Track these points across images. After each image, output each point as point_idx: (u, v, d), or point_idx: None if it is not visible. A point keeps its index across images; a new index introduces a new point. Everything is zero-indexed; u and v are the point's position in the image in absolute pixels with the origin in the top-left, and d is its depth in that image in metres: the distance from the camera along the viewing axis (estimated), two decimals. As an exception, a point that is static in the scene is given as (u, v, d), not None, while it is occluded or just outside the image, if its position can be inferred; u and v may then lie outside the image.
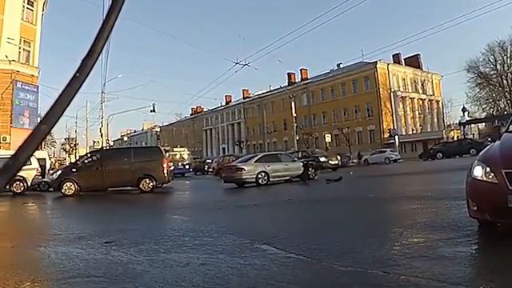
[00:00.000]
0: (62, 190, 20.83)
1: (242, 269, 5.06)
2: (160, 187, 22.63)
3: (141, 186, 21.41)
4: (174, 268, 5.34)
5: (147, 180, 21.46)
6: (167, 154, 42.62)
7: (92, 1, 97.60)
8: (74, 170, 22.08)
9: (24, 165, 0.74)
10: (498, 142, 6.17)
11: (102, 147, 43.09)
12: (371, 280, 4.26)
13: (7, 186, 0.82)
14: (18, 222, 12.92)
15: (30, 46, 37.94)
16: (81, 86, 0.78)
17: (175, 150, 47.45)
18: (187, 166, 45.20)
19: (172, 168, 40.70)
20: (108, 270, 5.43)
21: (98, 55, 0.80)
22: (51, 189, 23.64)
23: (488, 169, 5.42)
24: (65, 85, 0.77)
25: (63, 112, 0.75)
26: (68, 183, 20.98)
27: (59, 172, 23.58)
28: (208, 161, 50.99)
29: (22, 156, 0.73)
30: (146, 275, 5.08)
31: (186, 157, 46.14)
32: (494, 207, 5.33)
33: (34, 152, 0.75)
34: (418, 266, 4.53)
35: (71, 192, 20.80)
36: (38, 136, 0.74)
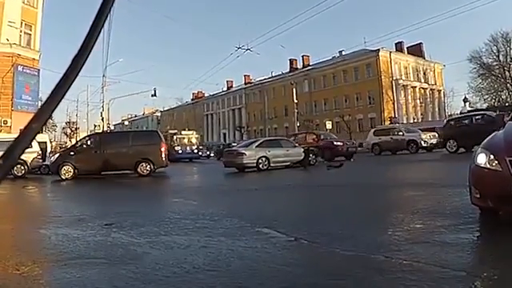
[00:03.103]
0: (60, 174, 20.89)
1: (243, 251, 5.06)
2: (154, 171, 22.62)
3: (138, 169, 21.48)
4: (175, 250, 5.34)
5: (145, 164, 21.52)
6: (174, 137, 42.05)
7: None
8: (72, 153, 22.07)
9: (15, 164, 0.75)
10: (502, 130, 6.14)
11: (103, 131, 42.80)
12: (373, 264, 4.25)
13: None
14: (19, 205, 12.93)
15: (31, 30, 37.78)
16: (72, 83, 0.78)
17: (183, 133, 45.94)
18: (196, 151, 43.47)
19: (180, 152, 40.52)
20: (109, 252, 5.44)
21: (89, 53, 0.80)
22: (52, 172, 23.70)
23: (492, 156, 5.39)
24: (56, 82, 0.77)
25: (55, 109, 0.76)
26: (66, 167, 21.01)
27: (57, 155, 23.49)
28: (233, 144, 49.90)
29: (12, 155, 0.73)
30: (146, 257, 5.08)
31: (194, 141, 44.60)
32: (497, 195, 5.31)
33: (24, 151, 0.75)
34: (421, 252, 4.52)
35: (69, 175, 20.88)
36: (29, 134, 0.74)
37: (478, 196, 5.57)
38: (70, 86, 0.77)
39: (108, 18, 0.83)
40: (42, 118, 0.74)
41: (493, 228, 5.68)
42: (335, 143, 28.87)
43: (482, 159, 5.52)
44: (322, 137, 30.30)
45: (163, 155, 22.09)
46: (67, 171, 20.96)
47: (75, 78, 0.77)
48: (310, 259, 4.83)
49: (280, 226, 6.36)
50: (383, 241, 5.14)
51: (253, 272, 4.24)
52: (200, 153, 45.56)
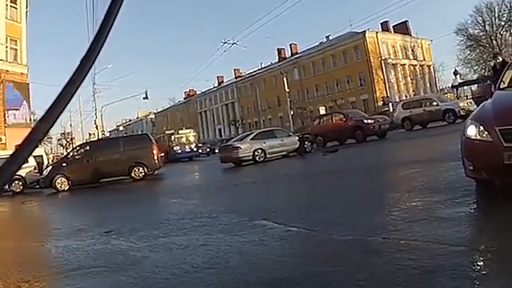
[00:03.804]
0: (55, 186, 20.77)
1: (242, 246, 5.06)
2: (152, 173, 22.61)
3: (132, 174, 21.39)
4: (174, 251, 5.35)
5: (138, 168, 21.46)
6: (172, 137, 41.80)
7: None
8: (64, 164, 21.91)
9: (20, 167, 0.72)
10: (489, 100, 6.14)
11: (99, 139, 42.60)
12: (371, 247, 4.25)
13: (6, 187, 0.79)
14: (19, 221, 12.96)
15: (16, 44, 37.56)
16: (79, 86, 0.76)
17: (180, 132, 45.17)
18: (195, 149, 43.01)
19: (179, 151, 40.32)
20: (108, 260, 5.44)
21: (97, 55, 0.78)
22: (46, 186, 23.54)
23: (481, 127, 5.38)
24: (63, 85, 0.75)
25: (61, 113, 0.74)
26: (60, 178, 20.87)
27: (49, 168, 23.28)
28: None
29: (18, 159, 0.71)
30: (146, 261, 5.09)
31: (192, 139, 43.84)
32: (489, 165, 5.30)
33: (30, 155, 0.73)
34: (418, 230, 4.51)
35: (64, 187, 20.76)
36: (35, 138, 0.72)
37: (472, 168, 5.56)
38: (77, 89, 0.75)
39: (115, 21, 0.81)
40: (50, 118, 0.72)
41: (489, 199, 5.69)
42: (366, 121, 26.25)
43: (471, 131, 5.51)
44: (350, 116, 27.45)
45: (156, 157, 21.99)
46: (62, 183, 20.80)
47: (82, 80, 0.76)
48: (308, 248, 4.84)
49: (278, 217, 6.36)
50: (380, 222, 5.13)
51: (251, 266, 4.24)
52: (200, 150, 45.24)
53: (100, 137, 48.84)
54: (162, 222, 7.68)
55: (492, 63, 18.12)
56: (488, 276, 3.17)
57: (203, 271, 4.29)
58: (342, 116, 28.03)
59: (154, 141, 23.34)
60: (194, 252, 5.11)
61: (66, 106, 0.74)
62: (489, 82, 10.63)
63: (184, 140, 42.45)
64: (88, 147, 23.25)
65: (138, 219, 8.53)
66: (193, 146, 42.71)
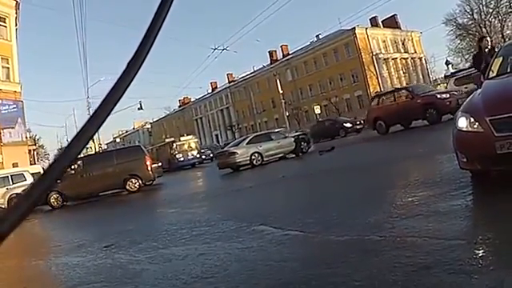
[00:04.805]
0: (50, 203, 20.49)
1: (240, 253, 5.06)
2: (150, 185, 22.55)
3: (127, 186, 21.32)
4: (173, 262, 5.34)
5: (133, 180, 21.40)
6: (174, 145, 41.51)
7: (63, 8, 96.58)
8: (58, 180, 21.63)
9: (52, 186, 0.66)
10: (479, 91, 6.14)
11: (96, 152, 42.51)
12: (368, 246, 4.25)
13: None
14: (20, 239, 12.86)
15: (8, 63, 37.37)
16: (126, 89, 0.73)
17: (182, 139, 44.12)
18: (198, 155, 42.16)
19: (182, 159, 40.06)
20: (108, 274, 5.45)
21: (145, 57, 0.75)
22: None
23: (472, 118, 5.39)
24: (108, 90, 0.71)
25: (110, 113, 0.71)
26: (54, 195, 20.65)
27: None
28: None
29: (47, 178, 0.65)
30: (145, 273, 5.09)
31: (194, 145, 42.83)
32: (482, 156, 5.31)
33: (63, 173, 0.68)
34: (414, 226, 4.52)
35: (58, 204, 20.60)
36: (86, 136, 0.69)
37: (465, 160, 5.57)
38: (123, 93, 0.72)
39: (166, 18, 0.76)
40: (95, 122, 0.70)
41: (484, 191, 5.69)
42: (439, 96, 21.10)
43: (462, 123, 5.52)
44: (416, 92, 22.60)
45: (149, 169, 21.92)
46: (56, 199, 20.60)
47: (130, 83, 0.72)
48: (305, 251, 4.82)
49: (275, 222, 6.36)
50: (377, 220, 5.12)
51: (250, 273, 4.24)
52: (203, 156, 44.81)
53: (97, 150, 48.67)
54: (160, 233, 7.67)
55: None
56: (485, 269, 3.15)
57: (202, 281, 4.29)
58: (408, 93, 22.97)
59: (146, 152, 23.30)
60: (193, 262, 5.10)
61: (111, 109, 0.71)
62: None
63: (186, 147, 41.69)
64: (81, 162, 23.04)
65: (137, 232, 8.51)
66: (195, 152, 42.03)
